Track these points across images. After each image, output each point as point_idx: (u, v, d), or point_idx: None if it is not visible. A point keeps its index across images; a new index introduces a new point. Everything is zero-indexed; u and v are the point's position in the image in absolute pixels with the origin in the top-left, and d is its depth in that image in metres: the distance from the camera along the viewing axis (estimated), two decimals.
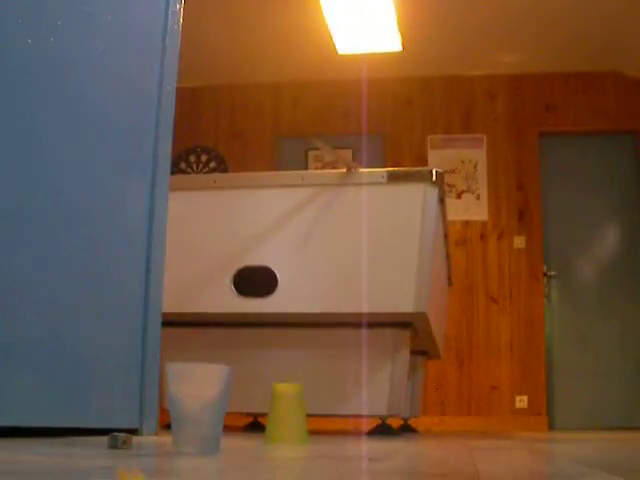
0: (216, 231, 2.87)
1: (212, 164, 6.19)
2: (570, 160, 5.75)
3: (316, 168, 5.93)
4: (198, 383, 1.32)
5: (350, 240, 2.73)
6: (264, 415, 2.21)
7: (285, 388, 2.03)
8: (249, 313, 2.78)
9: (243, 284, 2.79)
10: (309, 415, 2.06)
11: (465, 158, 5.84)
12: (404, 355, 2.82)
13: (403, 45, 5.30)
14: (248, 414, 3.15)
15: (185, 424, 1.30)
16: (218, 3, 4.95)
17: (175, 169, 5.96)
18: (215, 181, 2.98)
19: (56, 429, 1.72)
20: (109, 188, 2.01)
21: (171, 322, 2.52)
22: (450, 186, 5.60)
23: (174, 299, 2.58)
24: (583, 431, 4.58)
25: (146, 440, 1.83)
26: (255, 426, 3.21)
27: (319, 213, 2.80)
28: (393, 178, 2.76)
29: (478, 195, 5.71)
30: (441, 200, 2.85)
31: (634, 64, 5.55)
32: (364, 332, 2.71)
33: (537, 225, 5.63)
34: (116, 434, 1.33)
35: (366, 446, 1.92)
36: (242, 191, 2.91)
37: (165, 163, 2.23)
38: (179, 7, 2.34)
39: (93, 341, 1.88)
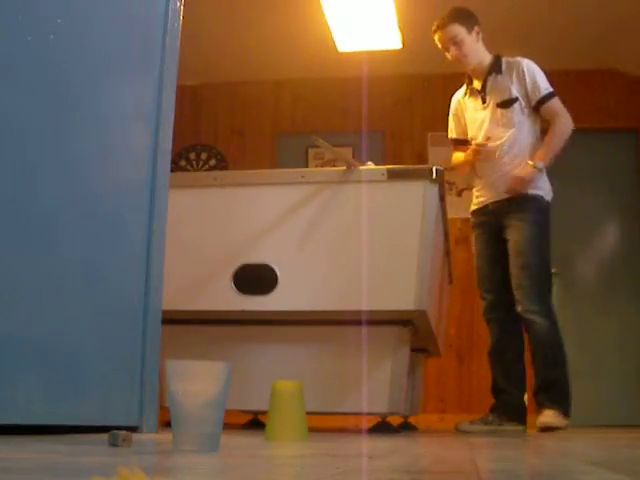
0: (216, 229, 2.87)
1: (212, 162, 6.19)
2: (570, 158, 5.67)
3: (316, 166, 5.93)
4: (198, 381, 1.32)
5: (350, 238, 2.73)
6: (264, 413, 2.21)
7: (285, 386, 2.03)
8: (249, 311, 2.78)
9: (243, 282, 2.79)
10: (309, 413, 2.06)
11: None
12: (404, 353, 2.82)
13: (403, 43, 5.29)
14: (248, 412, 3.16)
15: (185, 422, 1.30)
16: (218, 1, 4.94)
17: (175, 167, 5.96)
18: (215, 179, 2.98)
19: (56, 427, 1.72)
20: (109, 186, 2.00)
21: (171, 320, 2.52)
22: (450, 184, 5.59)
23: (174, 297, 2.58)
24: (583, 428, 4.58)
25: (146, 438, 1.83)
26: (255, 424, 3.21)
27: (319, 211, 2.79)
28: (393, 176, 2.76)
29: None
30: (441, 198, 2.85)
31: (634, 61, 5.55)
32: (364, 330, 2.71)
33: None
34: (116, 432, 1.33)
35: (366, 444, 1.92)
36: (242, 189, 2.90)
37: (165, 161, 2.23)
38: (179, 5, 2.34)
39: (93, 339, 1.88)
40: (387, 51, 5.42)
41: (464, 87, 3.62)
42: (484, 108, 3.48)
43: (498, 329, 3.47)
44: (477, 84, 3.51)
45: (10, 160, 1.62)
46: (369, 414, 2.84)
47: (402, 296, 2.65)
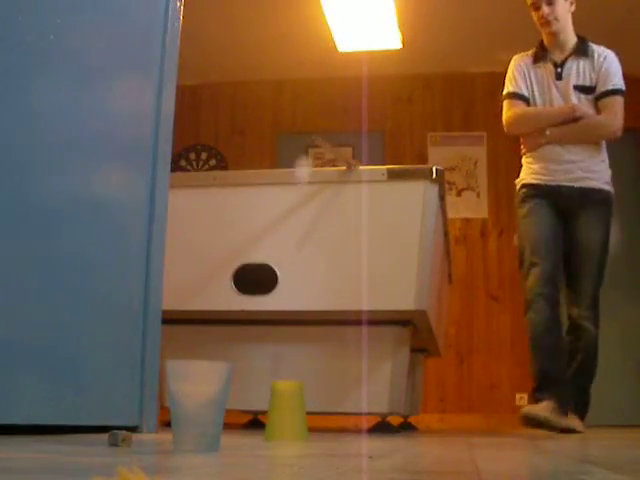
0: (216, 229, 2.87)
1: (212, 162, 6.19)
2: None
3: (316, 166, 5.93)
4: (198, 381, 1.32)
5: (350, 238, 2.73)
6: (264, 413, 2.21)
7: (285, 386, 2.03)
8: (249, 311, 2.78)
9: (243, 282, 2.79)
10: (309, 413, 2.06)
11: (465, 156, 5.84)
12: (404, 353, 2.82)
13: (403, 43, 5.29)
14: (248, 412, 3.15)
15: (185, 422, 1.30)
16: (218, 1, 4.94)
17: (175, 167, 5.96)
18: (215, 179, 2.98)
19: (56, 427, 1.72)
20: (109, 186, 2.00)
21: (171, 320, 2.52)
22: (450, 184, 5.60)
23: (174, 297, 2.58)
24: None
25: (146, 438, 1.83)
26: (255, 424, 3.21)
27: (319, 211, 2.79)
28: (393, 175, 2.76)
29: (478, 193, 5.71)
30: (441, 198, 2.85)
31: (636, 61, 5.54)
32: (364, 330, 2.71)
33: None
34: (116, 432, 1.33)
35: (366, 444, 1.92)
36: (242, 189, 2.90)
37: (165, 161, 2.23)
38: (179, 5, 2.34)
39: (93, 339, 1.88)
40: (387, 51, 5.42)
41: (533, 51, 3.45)
42: (557, 84, 3.34)
43: (549, 308, 3.17)
44: (557, 56, 3.38)
45: (10, 160, 1.62)
46: (369, 414, 2.84)
47: (402, 296, 2.64)
